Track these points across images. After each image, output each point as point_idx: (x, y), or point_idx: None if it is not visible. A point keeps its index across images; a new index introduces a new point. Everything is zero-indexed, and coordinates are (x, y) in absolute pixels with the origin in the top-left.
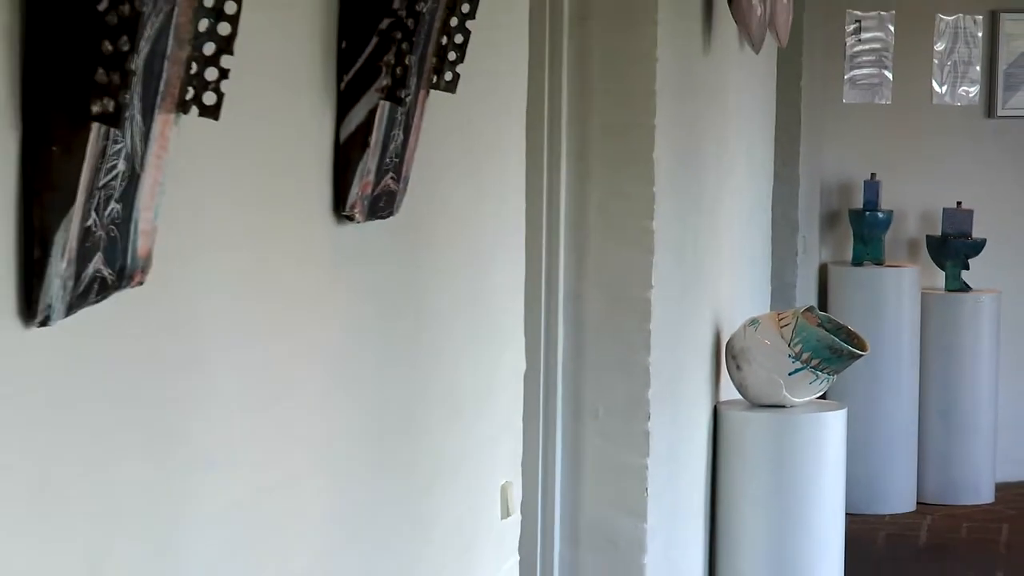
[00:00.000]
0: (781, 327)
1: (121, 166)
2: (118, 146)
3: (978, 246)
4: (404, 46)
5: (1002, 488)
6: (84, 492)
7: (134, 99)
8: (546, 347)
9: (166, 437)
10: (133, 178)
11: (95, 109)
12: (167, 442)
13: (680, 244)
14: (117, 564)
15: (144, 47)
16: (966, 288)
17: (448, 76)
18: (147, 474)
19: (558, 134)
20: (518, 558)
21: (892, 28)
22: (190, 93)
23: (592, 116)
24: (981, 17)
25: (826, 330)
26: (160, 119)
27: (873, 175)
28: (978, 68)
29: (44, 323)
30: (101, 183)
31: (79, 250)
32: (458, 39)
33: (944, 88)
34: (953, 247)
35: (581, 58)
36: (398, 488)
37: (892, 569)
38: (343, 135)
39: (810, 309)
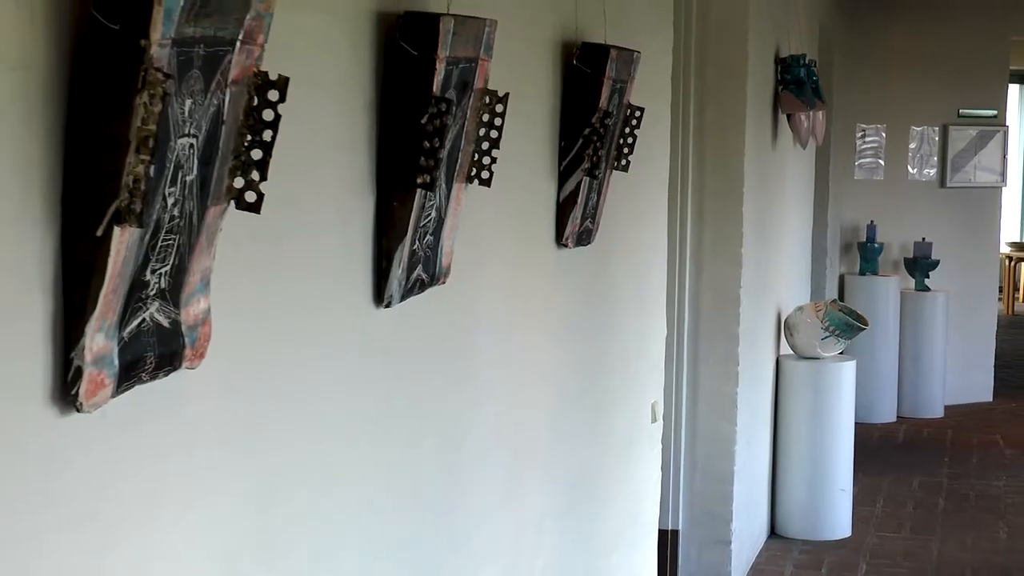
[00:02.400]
0: (816, 311)
1: (433, 214)
2: (432, 203)
3: (935, 264)
4: (598, 144)
5: (949, 408)
6: (406, 403)
7: (441, 175)
8: (678, 322)
9: (457, 375)
10: (440, 221)
11: (418, 181)
12: (458, 378)
13: (757, 262)
14: (427, 450)
15: (448, 144)
16: (928, 289)
17: (624, 162)
18: (445, 399)
19: (686, 196)
20: (660, 448)
21: (884, 134)
22: (474, 171)
23: (706, 185)
24: (938, 128)
25: (844, 313)
26: (456, 186)
27: (872, 222)
28: (935, 158)
29: (388, 306)
30: (421, 224)
31: (408, 263)
32: (629, 140)
33: (915, 170)
34: (920, 264)
35: (700, 151)
36: (591, 405)
37: (882, 457)
38: (561, 197)
39: (835, 301)
